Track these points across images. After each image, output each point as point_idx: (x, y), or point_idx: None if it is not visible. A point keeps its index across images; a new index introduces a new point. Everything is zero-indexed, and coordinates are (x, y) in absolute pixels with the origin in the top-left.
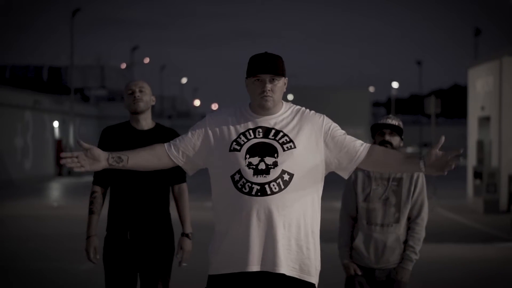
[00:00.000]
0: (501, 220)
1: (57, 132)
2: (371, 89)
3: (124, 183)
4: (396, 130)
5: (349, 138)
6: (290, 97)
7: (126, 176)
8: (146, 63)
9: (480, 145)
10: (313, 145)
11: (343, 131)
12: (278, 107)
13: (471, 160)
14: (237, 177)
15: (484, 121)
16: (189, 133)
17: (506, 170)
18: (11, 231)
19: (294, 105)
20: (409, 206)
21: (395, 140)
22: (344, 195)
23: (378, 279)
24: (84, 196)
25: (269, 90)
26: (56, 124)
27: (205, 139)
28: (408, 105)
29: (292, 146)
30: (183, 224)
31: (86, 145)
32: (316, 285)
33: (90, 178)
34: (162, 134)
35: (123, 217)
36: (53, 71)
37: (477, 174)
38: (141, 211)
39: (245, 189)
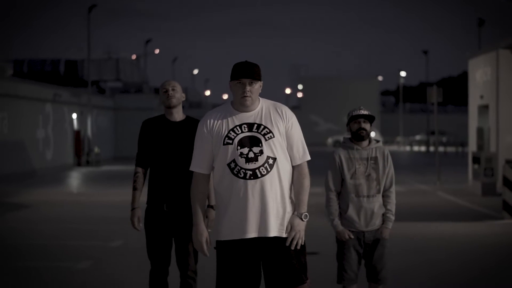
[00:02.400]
0: (496, 202)
1: (75, 124)
2: (380, 78)
3: (161, 165)
4: (368, 118)
5: (297, 140)
6: (299, 86)
7: (163, 159)
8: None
9: (480, 132)
10: (283, 131)
11: (299, 129)
12: (256, 104)
13: (472, 146)
14: (232, 165)
15: (483, 109)
16: (202, 145)
17: (503, 155)
18: (45, 214)
19: (266, 100)
20: (385, 178)
21: (367, 126)
22: (330, 174)
23: (367, 240)
24: (101, 184)
25: (248, 91)
26: (74, 116)
27: (209, 141)
28: (417, 93)
29: (272, 136)
30: (208, 198)
31: None
32: None
33: (106, 168)
34: (192, 125)
35: (160, 192)
36: (69, 64)
37: (476, 159)
38: (175, 187)
39: (240, 174)
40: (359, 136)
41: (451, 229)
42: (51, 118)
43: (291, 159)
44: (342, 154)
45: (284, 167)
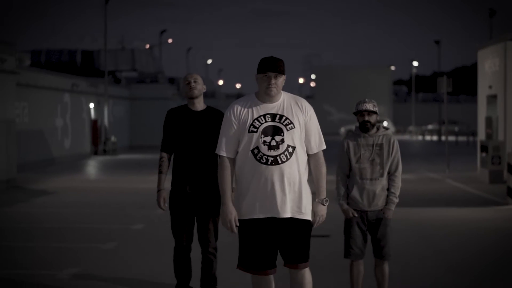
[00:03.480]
0: (503, 189)
1: (92, 113)
2: (393, 68)
3: (184, 150)
4: (371, 112)
5: (314, 131)
6: (312, 76)
7: (186, 145)
8: (170, 44)
9: (489, 121)
10: (302, 123)
11: (316, 120)
12: (279, 96)
13: (481, 135)
14: (256, 151)
15: (492, 99)
16: (229, 131)
17: (511, 143)
18: (68, 200)
19: (287, 93)
20: (389, 164)
21: (372, 118)
22: (339, 159)
23: (370, 218)
24: (119, 172)
25: (273, 84)
26: (91, 105)
27: (236, 128)
28: (430, 83)
29: (293, 127)
30: None
31: None
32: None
33: (123, 157)
34: (212, 114)
35: (183, 175)
36: (86, 54)
37: (483, 148)
38: (197, 171)
39: (263, 160)
40: (364, 128)
41: (457, 214)
42: (69, 107)
43: (308, 148)
44: (350, 140)
45: (301, 156)
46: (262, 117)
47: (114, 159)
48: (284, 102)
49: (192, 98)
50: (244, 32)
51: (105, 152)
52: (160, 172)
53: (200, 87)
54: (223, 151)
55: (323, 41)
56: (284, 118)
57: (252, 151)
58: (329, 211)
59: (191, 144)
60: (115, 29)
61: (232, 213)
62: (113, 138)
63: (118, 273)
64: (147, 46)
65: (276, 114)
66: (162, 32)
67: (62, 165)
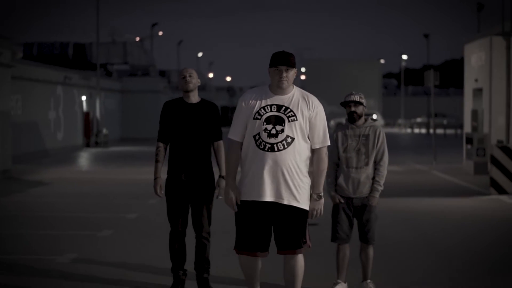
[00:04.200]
0: (487, 180)
1: (84, 105)
2: (382, 61)
3: (180, 140)
4: (357, 103)
5: (319, 128)
6: (303, 69)
7: (181, 135)
8: (160, 36)
9: (475, 114)
10: (306, 117)
11: (323, 118)
12: (290, 89)
13: (467, 128)
14: (257, 137)
15: (478, 92)
16: (238, 117)
17: (495, 136)
18: (63, 190)
19: (300, 89)
20: (374, 154)
21: (359, 109)
22: (329, 149)
23: (355, 204)
24: (112, 164)
25: (284, 76)
26: (84, 98)
27: (245, 114)
28: (420, 76)
29: (295, 119)
30: (220, 169)
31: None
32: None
33: (115, 149)
34: (206, 106)
35: (179, 164)
36: (78, 47)
37: (469, 140)
38: (192, 160)
39: (261, 146)
40: (351, 118)
41: (441, 204)
42: (61, 100)
43: (312, 143)
44: (339, 131)
45: (300, 148)
46: (268, 106)
47: (106, 151)
48: (293, 96)
49: (187, 91)
50: (235, 25)
51: (97, 144)
52: (156, 161)
53: (195, 81)
54: (232, 134)
55: (314, 35)
56: (288, 110)
57: (254, 137)
58: None
59: (186, 134)
60: (106, 21)
61: (234, 192)
62: (104, 131)
63: (116, 258)
64: (138, 38)
65: (282, 106)
66: (154, 25)
67: (55, 157)
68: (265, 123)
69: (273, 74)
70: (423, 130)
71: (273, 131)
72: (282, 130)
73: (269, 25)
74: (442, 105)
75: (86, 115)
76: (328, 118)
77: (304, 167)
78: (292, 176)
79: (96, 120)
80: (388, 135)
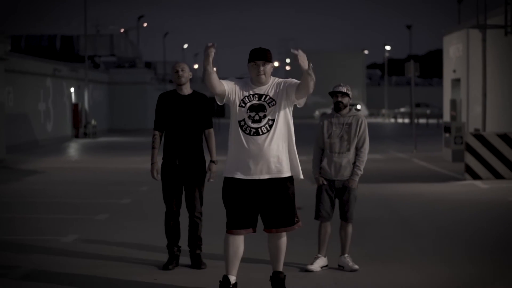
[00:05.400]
0: (463, 166)
1: (73, 97)
2: (366, 52)
3: (173, 129)
4: (344, 94)
5: (292, 80)
6: (287, 60)
7: (175, 124)
8: (145, 27)
9: (453, 103)
10: (284, 98)
11: (293, 80)
12: (268, 80)
13: (446, 117)
14: (242, 123)
15: (456, 82)
16: (230, 82)
17: (473, 124)
18: (57, 178)
19: (278, 79)
20: (356, 141)
21: (345, 99)
22: (316, 135)
23: (336, 186)
24: (102, 153)
25: (262, 70)
26: (72, 89)
27: (233, 90)
28: (404, 66)
29: (274, 104)
30: (211, 154)
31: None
32: (292, 176)
33: (103, 140)
34: (197, 97)
35: (173, 150)
36: (65, 40)
37: (447, 129)
38: (185, 146)
39: (247, 131)
40: (337, 107)
41: (419, 188)
42: (51, 92)
43: (297, 87)
44: (325, 119)
45: (281, 127)
46: (251, 96)
47: (95, 142)
48: (271, 85)
49: (180, 84)
50: (219, 16)
51: (85, 135)
52: (153, 148)
53: (186, 75)
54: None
55: (298, 26)
56: (268, 97)
57: (239, 122)
58: (302, 188)
59: (180, 123)
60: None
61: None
62: (93, 122)
63: (113, 238)
64: (122, 30)
65: (262, 95)
66: (140, 17)
67: (46, 148)
68: (249, 111)
69: (252, 69)
70: (407, 120)
71: (257, 117)
72: (264, 116)
73: (254, 17)
74: (425, 95)
75: (75, 107)
76: (313, 108)
77: (284, 143)
78: (276, 153)
79: (84, 111)
80: (371, 125)
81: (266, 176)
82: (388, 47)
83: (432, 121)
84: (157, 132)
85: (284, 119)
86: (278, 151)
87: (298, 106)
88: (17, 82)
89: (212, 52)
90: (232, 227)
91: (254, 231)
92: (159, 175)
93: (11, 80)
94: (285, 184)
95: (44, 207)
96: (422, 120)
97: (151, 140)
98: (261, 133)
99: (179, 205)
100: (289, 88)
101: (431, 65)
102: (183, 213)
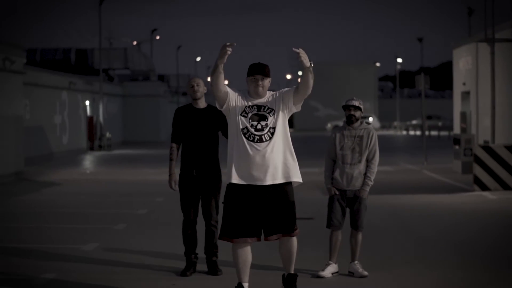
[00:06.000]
0: (472, 178)
1: (88, 110)
2: (378, 64)
3: (190, 141)
4: (357, 108)
5: (289, 89)
6: (299, 73)
7: (191, 136)
8: (157, 40)
9: (463, 116)
10: (281, 106)
11: (287, 88)
12: (265, 93)
13: (456, 129)
14: (245, 130)
15: (466, 95)
16: (232, 90)
17: (482, 136)
18: (75, 190)
19: (271, 91)
20: (367, 153)
21: (357, 113)
22: (328, 147)
23: (348, 196)
24: (117, 165)
25: (260, 84)
26: (87, 102)
27: (234, 97)
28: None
29: (274, 113)
30: None
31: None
32: (290, 183)
33: (118, 152)
34: (212, 111)
35: (190, 161)
36: (80, 53)
37: (456, 141)
38: (201, 158)
39: (251, 138)
40: (350, 121)
41: (427, 199)
42: (67, 105)
43: (295, 91)
44: (337, 132)
45: (281, 134)
46: (250, 106)
47: (110, 154)
48: (267, 97)
49: (195, 99)
50: (231, 28)
51: (100, 147)
52: (170, 160)
53: (201, 89)
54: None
55: (310, 38)
56: (267, 107)
57: (242, 130)
58: (313, 199)
59: (196, 136)
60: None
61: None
62: (108, 134)
63: (132, 246)
64: (135, 43)
65: (261, 106)
66: (153, 30)
67: (61, 160)
68: (251, 120)
69: (250, 82)
70: (418, 132)
71: (259, 126)
72: (266, 125)
73: (266, 30)
74: (437, 107)
75: (90, 119)
76: (325, 121)
77: (287, 150)
78: (278, 158)
79: (99, 124)
80: (383, 137)
81: (269, 182)
82: (399, 60)
83: (443, 133)
84: (174, 145)
85: (283, 127)
86: (280, 157)
87: (296, 110)
88: (34, 95)
89: (229, 51)
90: (237, 235)
91: (259, 239)
92: (177, 186)
93: (27, 93)
94: (286, 190)
95: (63, 217)
96: (434, 132)
97: (168, 152)
98: (264, 140)
99: (196, 214)
100: (285, 95)
101: (443, 77)
102: (200, 221)
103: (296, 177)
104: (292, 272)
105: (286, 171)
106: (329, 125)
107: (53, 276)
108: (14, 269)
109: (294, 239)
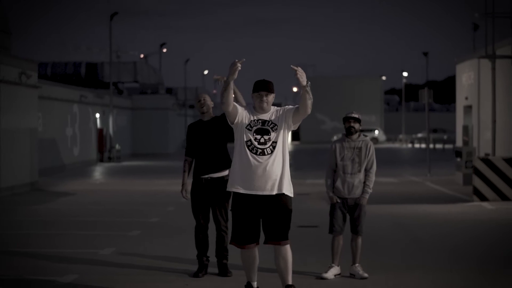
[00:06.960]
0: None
1: (98, 122)
2: (384, 78)
3: (201, 155)
4: (356, 120)
5: (289, 107)
6: (295, 89)
7: (200, 148)
8: (164, 52)
9: (466, 129)
10: (283, 122)
11: (290, 106)
12: (269, 109)
13: (458, 142)
14: (249, 143)
15: (468, 109)
16: (240, 106)
17: (484, 149)
18: (89, 200)
19: (276, 107)
20: (365, 163)
21: (356, 125)
22: (328, 157)
23: (349, 204)
24: (127, 177)
25: (265, 100)
26: (97, 115)
27: (243, 112)
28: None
29: (277, 128)
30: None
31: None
32: (288, 195)
33: (127, 164)
34: (217, 121)
35: (200, 173)
36: (90, 67)
37: (458, 153)
38: (210, 167)
39: (254, 151)
40: (349, 132)
41: (428, 209)
42: (77, 117)
43: (295, 110)
44: (337, 143)
45: (281, 149)
46: (256, 121)
47: (119, 166)
48: (272, 112)
49: (203, 113)
50: (239, 42)
51: (110, 159)
52: (183, 171)
53: (208, 103)
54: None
55: (317, 52)
56: (270, 122)
57: (246, 142)
58: (317, 208)
59: (203, 146)
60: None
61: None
62: (117, 146)
63: (148, 251)
64: (142, 56)
65: (266, 121)
66: (162, 44)
67: (73, 171)
68: (255, 134)
69: (255, 98)
70: (423, 145)
71: (262, 140)
72: (269, 139)
73: (272, 43)
74: (443, 120)
75: (100, 132)
76: (331, 134)
77: (285, 163)
78: (277, 172)
79: (109, 136)
80: (389, 150)
81: (267, 193)
82: (405, 73)
83: (448, 146)
84: (188, 158)
85: (283, 142)
86: (279, 170)
87: (293, 128)
88: (46, 108)
89: (239, 68)
90: (244, 242)
91: (257, 244)
92: (188, 194)
93: (40, 106)
94: (284, 200)
95: (80, 225)
96: (439, 146)
97: (182, 165)
98: (266, 153)
99: (206, 220)
100: (287, 113)
101: (449, 91)
102: (211, 227)
103: (289, 191)
104: (290, 283)
105: (285, 182)
106: (335, 137)
107: (76, 277)
108: (40, 271)
109: (288, 247)
